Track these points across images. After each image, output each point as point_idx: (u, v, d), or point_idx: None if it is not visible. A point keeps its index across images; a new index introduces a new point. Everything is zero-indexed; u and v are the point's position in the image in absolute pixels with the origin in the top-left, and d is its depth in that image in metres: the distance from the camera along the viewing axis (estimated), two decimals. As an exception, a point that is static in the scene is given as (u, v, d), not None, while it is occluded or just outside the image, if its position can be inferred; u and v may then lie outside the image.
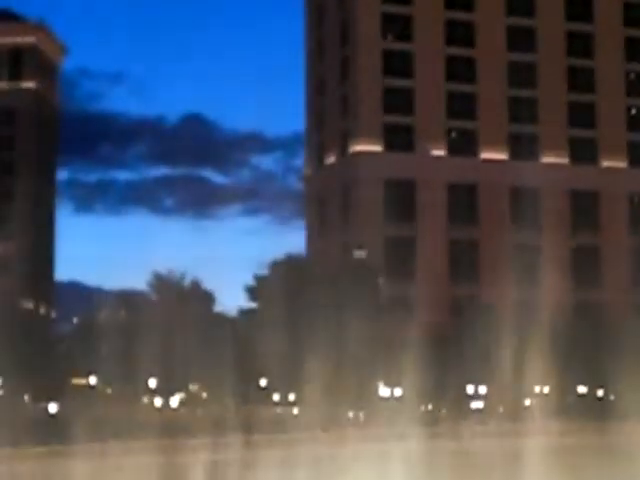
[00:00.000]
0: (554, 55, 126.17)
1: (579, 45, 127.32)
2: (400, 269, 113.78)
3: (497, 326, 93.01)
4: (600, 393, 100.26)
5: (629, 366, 79.11)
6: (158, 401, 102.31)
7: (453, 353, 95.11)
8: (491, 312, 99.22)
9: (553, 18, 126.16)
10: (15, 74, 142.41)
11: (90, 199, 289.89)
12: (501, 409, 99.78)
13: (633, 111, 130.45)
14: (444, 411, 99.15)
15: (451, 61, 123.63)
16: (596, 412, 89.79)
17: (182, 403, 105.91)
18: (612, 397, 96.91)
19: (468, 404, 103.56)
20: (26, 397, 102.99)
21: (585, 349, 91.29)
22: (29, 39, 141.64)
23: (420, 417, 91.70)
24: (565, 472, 74.20)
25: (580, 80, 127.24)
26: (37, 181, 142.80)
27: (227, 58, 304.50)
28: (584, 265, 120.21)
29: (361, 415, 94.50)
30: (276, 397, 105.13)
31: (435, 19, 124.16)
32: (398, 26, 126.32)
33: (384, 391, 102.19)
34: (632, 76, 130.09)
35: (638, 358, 78.21)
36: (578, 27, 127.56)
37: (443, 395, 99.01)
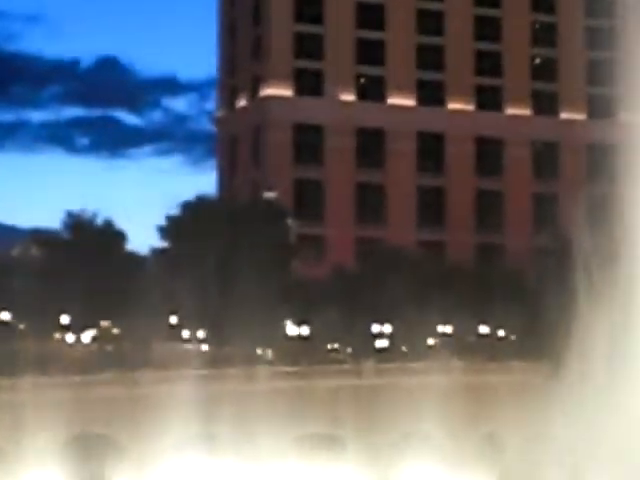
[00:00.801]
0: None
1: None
2: (309, 211, 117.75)
3: (402, 267, 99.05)
4: (501, 333, 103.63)
5: (526, 308, 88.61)
6: (70, 337, 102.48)
7: (359, 293, 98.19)
8: (397, 253, 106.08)
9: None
10: None
11: (2, 138, 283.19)
12: (404, 348, 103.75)
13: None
14: (349, 349, 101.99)
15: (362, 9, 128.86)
16: (496, 351, 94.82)
17: (94, 339, 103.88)
18: (513, 337, 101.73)
19: (373, 343, 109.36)
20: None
21: (485, 290, 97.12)
22: None
23: (326, 355, 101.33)
24: (466, 407, 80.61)
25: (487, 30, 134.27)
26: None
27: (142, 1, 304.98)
28: (488, 209, 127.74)
29: (269, 353, 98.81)
30: (186, 334, 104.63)
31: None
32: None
33: (292, 329, 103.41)
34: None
35: (537, 301, 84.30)
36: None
37: (349, 334, 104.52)
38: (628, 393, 55.57)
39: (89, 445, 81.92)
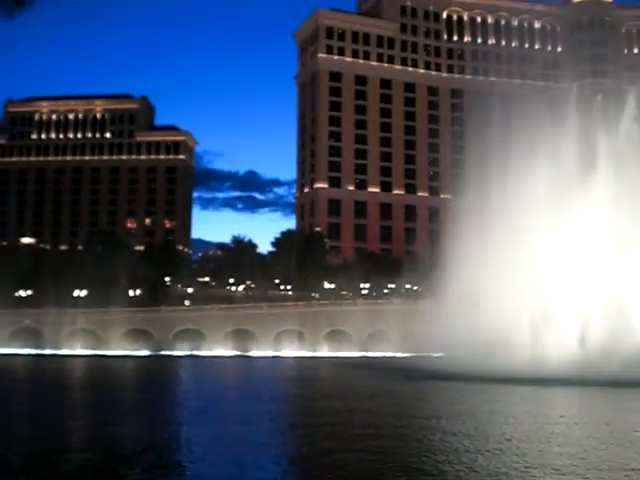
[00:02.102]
0: None
1: None
2: (334, 235, 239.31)
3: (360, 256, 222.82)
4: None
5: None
6: (233, 288, 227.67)
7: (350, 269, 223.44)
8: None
9: None
10: (176, 153, 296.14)
11: (206, 204, 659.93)
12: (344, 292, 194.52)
13: None
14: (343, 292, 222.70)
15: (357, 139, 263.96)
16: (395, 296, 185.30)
17: (244, 289, 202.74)
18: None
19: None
20: None
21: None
22: (182, 137, 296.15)
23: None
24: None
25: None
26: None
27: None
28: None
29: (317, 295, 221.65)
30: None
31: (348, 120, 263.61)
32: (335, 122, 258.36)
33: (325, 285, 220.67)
34: None
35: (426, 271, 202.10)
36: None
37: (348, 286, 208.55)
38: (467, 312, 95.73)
39: (241, 335, 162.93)
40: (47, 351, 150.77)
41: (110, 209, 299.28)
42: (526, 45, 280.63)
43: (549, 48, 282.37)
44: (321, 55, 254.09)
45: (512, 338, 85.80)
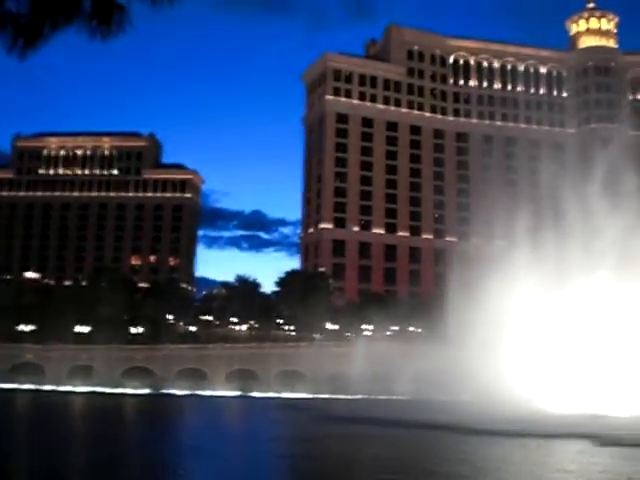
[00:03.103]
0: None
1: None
2: (338, 276, 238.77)
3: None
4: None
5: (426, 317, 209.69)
6: (237, 327, 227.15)
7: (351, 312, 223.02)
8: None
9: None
10: (182, 191, 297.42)
11: (212, 243, 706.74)
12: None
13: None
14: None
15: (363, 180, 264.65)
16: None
17: (247, 329, 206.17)
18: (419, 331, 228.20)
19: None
20: None
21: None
22: (189, 176, 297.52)
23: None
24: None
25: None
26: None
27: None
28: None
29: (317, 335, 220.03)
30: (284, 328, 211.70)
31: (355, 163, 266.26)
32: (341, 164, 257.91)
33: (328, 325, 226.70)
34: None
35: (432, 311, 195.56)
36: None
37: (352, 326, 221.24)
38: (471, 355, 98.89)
39: (243, 375, 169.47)
40: (47, 387, 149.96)
41: (115, 245, 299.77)
42: (532, 90, 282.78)
43: (554, 93, 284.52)
44: (328, 97, 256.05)
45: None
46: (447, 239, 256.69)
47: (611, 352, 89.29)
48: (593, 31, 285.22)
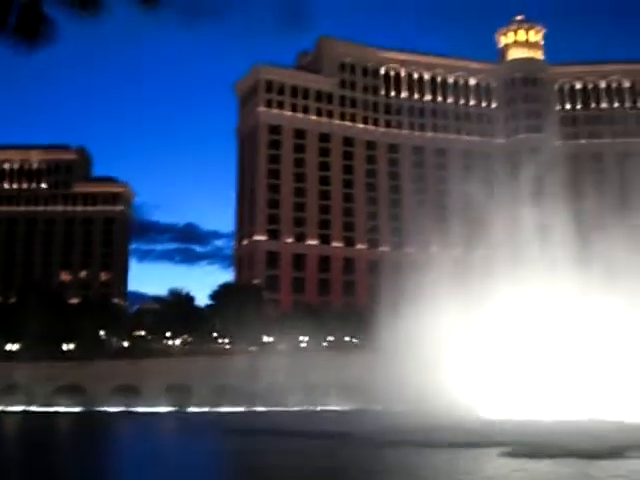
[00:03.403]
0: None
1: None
2: (272, 287, 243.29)
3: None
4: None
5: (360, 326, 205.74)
6: (170, 342, 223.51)
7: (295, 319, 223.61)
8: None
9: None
10: (113, 204, 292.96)
11: (144, 257, 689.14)
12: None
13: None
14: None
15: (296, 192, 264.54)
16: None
17: (182, 344, 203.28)
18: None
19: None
20: None
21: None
22: (121, 189, 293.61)
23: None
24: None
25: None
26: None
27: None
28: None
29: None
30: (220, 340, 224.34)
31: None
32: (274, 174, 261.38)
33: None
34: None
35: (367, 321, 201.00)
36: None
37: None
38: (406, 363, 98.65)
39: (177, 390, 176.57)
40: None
41: (45, 261, 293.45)
42: (462, 101, 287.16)
43: (484, 104, 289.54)
44: (261, 108, 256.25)
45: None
46: (381, 249, 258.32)
47: (550, 357, 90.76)
48: (521, 43, 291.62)
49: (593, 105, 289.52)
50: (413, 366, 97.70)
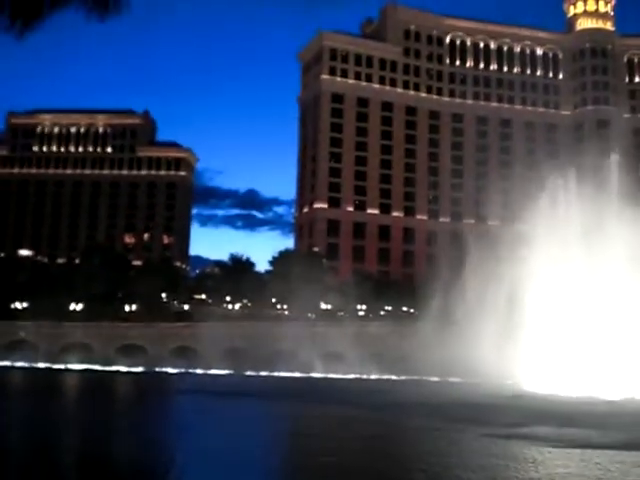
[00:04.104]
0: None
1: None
2: (332, 256, 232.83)
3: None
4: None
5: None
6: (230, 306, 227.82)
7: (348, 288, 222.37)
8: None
9: None
10: (176, 169, 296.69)
11: (206, 221, 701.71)
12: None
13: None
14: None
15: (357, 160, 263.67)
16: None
17: (240, 307, 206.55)
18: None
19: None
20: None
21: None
22: (184, 154, 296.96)
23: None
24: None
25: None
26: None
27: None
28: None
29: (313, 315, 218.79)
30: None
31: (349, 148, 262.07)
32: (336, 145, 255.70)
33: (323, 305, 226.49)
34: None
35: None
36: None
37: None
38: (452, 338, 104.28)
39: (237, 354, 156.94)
40: (41, 364, 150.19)
41: (109, 223, 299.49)
42: (528, 71, 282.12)
43: (550, 75, 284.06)
44: (324, 76, 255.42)
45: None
46: (441, 220, 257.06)
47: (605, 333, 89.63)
48: (590, 13, 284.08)
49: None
50: (467, 338, 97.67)
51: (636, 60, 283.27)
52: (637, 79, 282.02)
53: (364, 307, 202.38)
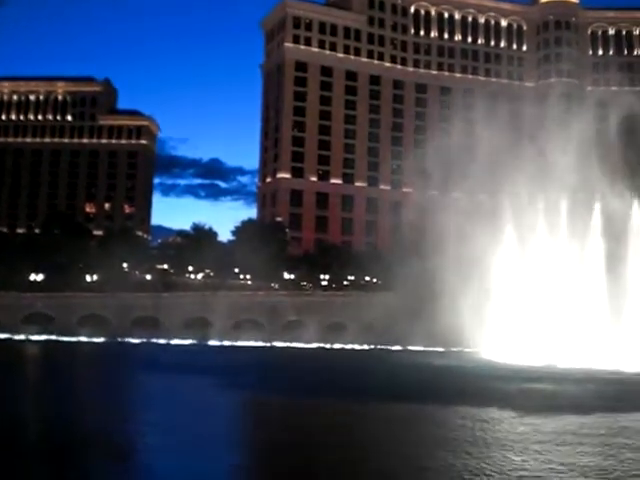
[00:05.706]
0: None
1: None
2: (295, 226, 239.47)
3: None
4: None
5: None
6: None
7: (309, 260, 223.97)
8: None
9: None
10: (138, 138, 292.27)
11: (168, 191, 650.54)
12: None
13: None
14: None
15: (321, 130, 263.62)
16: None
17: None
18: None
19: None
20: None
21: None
22: (145, 122, 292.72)
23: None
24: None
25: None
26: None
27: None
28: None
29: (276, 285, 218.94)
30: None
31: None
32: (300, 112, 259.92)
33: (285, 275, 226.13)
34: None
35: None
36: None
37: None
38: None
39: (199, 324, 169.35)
40: (1, 335, 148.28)
41: (69, 193, 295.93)
42: (492, 43, 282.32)
43: (514, 46, 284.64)
44: (287, 44, 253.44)
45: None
46: (404, 190, 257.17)
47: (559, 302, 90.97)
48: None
49: (626, 52, 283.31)
50: (429, 306, 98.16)
51: (600, 33, 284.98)
52: (600, 52, 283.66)
53: (327, 277, 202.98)
